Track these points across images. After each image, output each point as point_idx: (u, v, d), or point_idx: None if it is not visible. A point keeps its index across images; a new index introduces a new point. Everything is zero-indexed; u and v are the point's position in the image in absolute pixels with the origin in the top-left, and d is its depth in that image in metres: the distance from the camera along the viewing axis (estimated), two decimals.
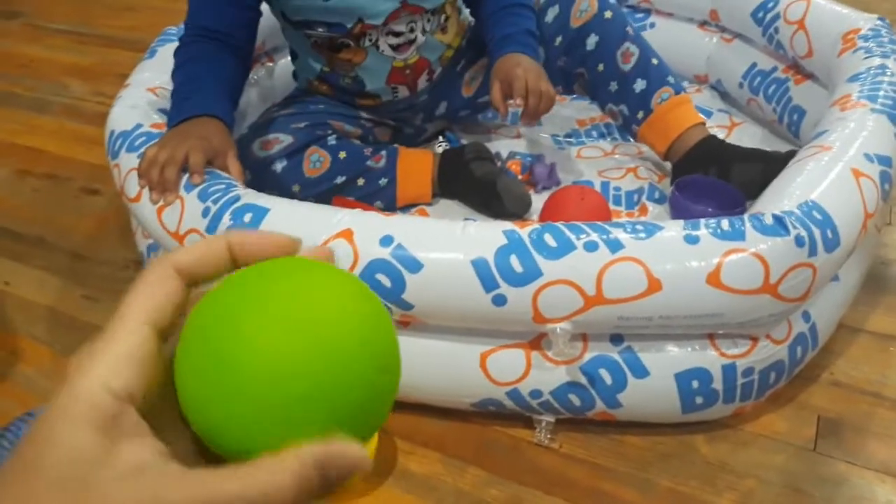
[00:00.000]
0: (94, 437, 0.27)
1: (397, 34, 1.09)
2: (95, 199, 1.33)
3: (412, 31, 1.09)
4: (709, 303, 0.73)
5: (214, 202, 0.84)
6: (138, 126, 0.98)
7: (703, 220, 0.75)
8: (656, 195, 1.16)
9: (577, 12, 1.14)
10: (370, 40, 1.08)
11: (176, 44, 1.04)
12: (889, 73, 0.97)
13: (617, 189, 1.19)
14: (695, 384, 0.79)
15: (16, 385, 0.96)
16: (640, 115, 1.14)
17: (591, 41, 1.14)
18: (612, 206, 1.12)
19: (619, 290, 0.73)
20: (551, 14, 1.16)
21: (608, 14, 1.14)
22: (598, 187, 1.19)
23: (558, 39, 1.16)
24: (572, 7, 1.14)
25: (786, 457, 0.83)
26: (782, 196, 0.78)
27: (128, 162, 0.93)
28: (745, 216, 0.75)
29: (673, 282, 0.72)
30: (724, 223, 0.74)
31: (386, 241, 0.77)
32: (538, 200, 1.12)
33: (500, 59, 1.10)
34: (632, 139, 1.21)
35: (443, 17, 1.14)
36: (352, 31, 1.06)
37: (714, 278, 0.72)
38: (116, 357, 0.29)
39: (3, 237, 1.24)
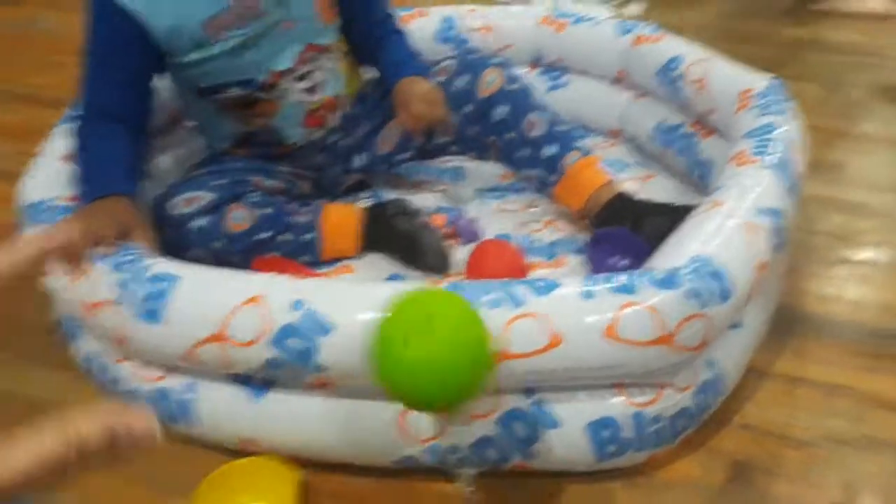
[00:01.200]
0: None
1: (304, 77, 1.13)
2: None
3: (318, 70, 1.14)
4: (609, 355, 0.76)
5: (124, 272, 0.84)
6: (49, 200, 0.98)
7: (600, 276, 0.79)
8: (574, 247, 1.20)
9: (485, 84, 1.20)
10: (282, 89, 1.12)
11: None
12: (779, 130, 1.03)
13: (537, 241, 1.22)
14: (605, 433, 0.81)
15: None
16: (553, 178, 1.19)
17: (499, 112, 1.19)
18: (531, 258, 1.15)
19: (523, 345, 0.75)
20: (460, 82, 1.21)
21: (514, 86, 1.20)
22: (517, 240, 1.22)
23: (468, 107, 1.21)
24: (479, 79, 1.20)
25: (700, 501, 0.85)
26: (676, 252, 0.82)
27: None
28: (640, 271, 0.79)
29: (572, 336, 0.75)
30: (621, 279, 0.78)
31: (297, 305, 0.79)
32: (463, 252, 1.15)
33: (399, 84, 1.18)
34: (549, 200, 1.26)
35: (339, 53, 1.20)
36: (264, 83, 1.09)
37: (611, 331, 0.75)
38: None
39: None
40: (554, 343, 0.75)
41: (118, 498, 0.87)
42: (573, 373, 0.77)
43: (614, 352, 0.75)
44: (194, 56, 1.05)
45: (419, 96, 1.16)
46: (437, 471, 0.87)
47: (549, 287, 0.77)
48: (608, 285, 0.77)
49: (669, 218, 1.08)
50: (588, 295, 0.76)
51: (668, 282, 0.76)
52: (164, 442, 0.87)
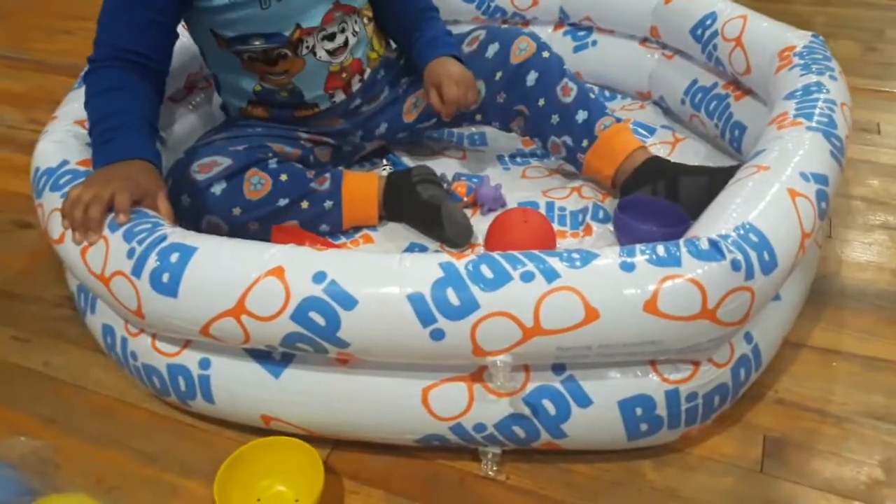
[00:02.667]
0: None
1: (331, 37, 1.09)
2: (27, 232, 1.28)
3: (343, 31, 1.10)
4: (647, 330, 0.72)
5: (140, 243, 0.81)
6: (64, 163, 0.94)
7: (638, 247, 0.74)
8: (601, 215, 1.16)
9: (517, 50, 1.16)
10: (307, 47, 1.08)
11: None
12: (824, 91, 0.98)
13: (562, 209, 1.18)
14: (638, 411, 0.78)
15: None
16: (585, 143, 1.15)
17: (531, 77, 1.16)
18: (556, 227, 1.11)
19: (557, 320, 0.72)
20: (491, 50, 1.18)
21: (546, 54, 1.17)
22: (542, 208, 1.18)
23: (498, 75, 1.17)
24: (511, 46, 1.17)
25: (733, 479, 0.82)
26: (719, 219, 0.77)
27: (51, 201, 0.90)
28: (681, 241, 0.75)
29: (610, 310, 0.71)
30: (660, 249, 0.74)
31: (319, 277, 0.75)
32: (484, 222, 1.11)
33: (431, 64, 1.15)
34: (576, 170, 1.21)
35: (366, 18, 1.16)
36: (290, 38, 1.05)
37: (651, 306, 0.71)
38: None
39: None
40: (590, 318, 0.71)
41: (136, 479, 0.85)
42: (609, 349, 0.73)
43: (654, 327, 0.71)
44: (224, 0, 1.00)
45: (452, 79, 1.12)
46: (461, 449, 0.84)
47: (585, 259, 0.73)
48: (648, 257, 0.73)
49: (706, 182, 1.04)
50: (627, 267, 0.72)
51: (711, 253, 0.72)
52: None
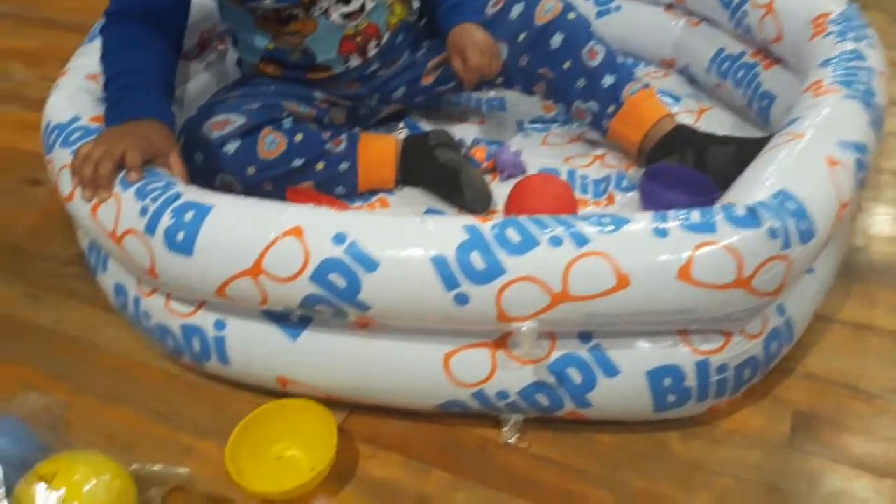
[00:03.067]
0: None
1: (347, 0, 1.05)
2: (38, 190, 1.26)
3: None
4: (680, 299, 0.70)
5: (153, 200, 0.78)
6: (75, 119, 0.92)
7: (672, 213, 0.72)
8: (624, 184, 1.13)
9: (542, 11, 1.11)
10: (320, 9, 1.04)
11: None
12: (862, 59, 0.94)
13: (584, 177, 1.15)
14: (667, 382, 0.76)
15: None
16: (611, 108, 1.12)
17: (556, 40, 1.11)
18: (578, 195, 1.09)
19: (586, 286, 0.69)
20: (515, 11, 1.13)
21: (572, 15, 1.12)
22: (563, 175, 1.15)
23: (521, 36, 1.12)
24: (536, 6, 1.12)
25: (761, 453, 0.80)
26: (755, 186, 0.75)
27: (62, 157, 0.88)
28: (717, 207, 0.72)
29: (642, 277, 0.69)
30: (695, 215, 0.71)
31: (339, 238, 0.73)
32: (503, 188, 1.08)
33: (455, 30, 1.10)
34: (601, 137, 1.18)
35: None
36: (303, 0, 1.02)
37: (685, 273, 0.69)
38: None
39: None
40: (621, 284, 0.69)
41: (149, 437, 0.83)
42: (640, 317, 0.71)
43: (687, 295, 0.69)
44: None
45: (477, 46, 1.08)
46: (482, 416, 0.83)
47: (617, 224, 0.70)
48: (683, 222, 0.70)
49: (735, 153, 1.01)
50: (661, 233, 0.69)
51: (748, 220, 0.69)
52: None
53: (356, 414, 0.85)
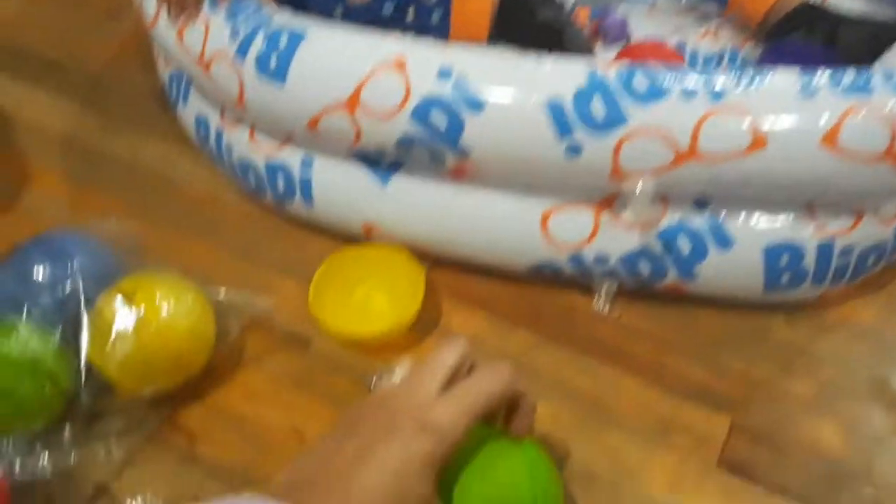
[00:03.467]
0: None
1: None
2: (117, 24, 1.20)
3: None
4: (819, 167, 0.63)
5: (244, 22, 0.73)
6: None
7: (822, 71, 0.64)
8: (739, 61, 1.03)
9: None
10: None
11: None
12: None
13: (694, 52, 1.06)
14: (784, 260, 0.70)
15: (23, 212, 0.89)
16: None
17: None
18: None
19: (718, 145, 0.62)
20: None
21: None
22: (673, 47, 1.05)
23: None
24: None
25: (870, 347, 0.75)
26: None
27: None
28: (875, 68, 0.64)
29: (781, 139, 0.62)
30: (849, 75, 0.63)
31: (444, 74, 0.67)
32: (607, 55, 1.00)
33: None
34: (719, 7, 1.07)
35: None
36: None
37: (830, 139, 0.61)
38: None
39: (15, 58, 1.13)
40: (756, 145, 0.62)
41: (227, 271, 0.81)
42: (771, 184, 0.64)
43: (829, 164, 0.62)
44: None
45: None
46: (571, 283, 0.78)
47: (759, 79, 0.63)
48: (834, 82, 0.62)
49: (870, 36, 0.90)
50: (808, 91, 0.62)
51: None
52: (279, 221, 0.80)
53: (439, 267, 0.81)
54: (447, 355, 0.55)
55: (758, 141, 0.62)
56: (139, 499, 0.65)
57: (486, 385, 0.53)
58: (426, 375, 0.53)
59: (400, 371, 0.57)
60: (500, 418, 0.59)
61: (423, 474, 0.48)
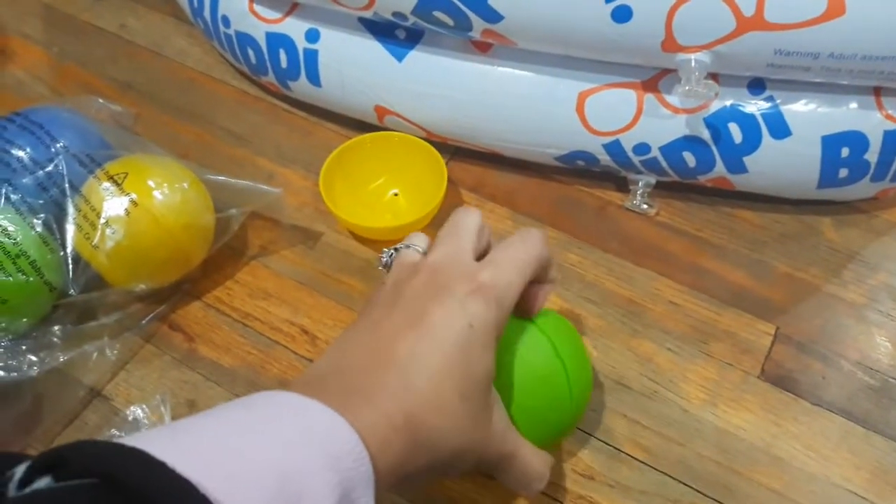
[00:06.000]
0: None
1: None
2: None
3: None
4: None
5: None
6: None
7: None
8: None
9: None
10: None
11: None
12: None
13: None
14: (844, 152, 0.63)
15: (4, 87, 0.81)
16: None
17: None
18: None
19: (787, 12, 0.54)
20: None
21: None
22: None
23: None
24: None
25: None
26: None
27: None
28: None
29: (862, 5, 0.54)
30: None
31: None
32: None
33: None
34: None
35: None
36: None
37: None
38: None
39: None
40: (832, 13, 0.54)
41: (225, 158, 0.75)
42: (841, 61, 0.56)
43: None
44: None
45: None
46: (601, 177, 0.72)
47: None
48: None
49: None
50: None
51: None
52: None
53: (459, 159, 0.74)
54: (469, 219, 0.47)
55: (835, 7, 0.53)
56: (141, 407, 0.59)
57: (528, 247, 0.45)
58: (459, 240, 0.45)
59: (419, 242, 0.49)
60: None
61: (485, 343, 0.40)
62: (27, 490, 0.28)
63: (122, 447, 0.28)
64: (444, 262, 0.43)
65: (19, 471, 0.28)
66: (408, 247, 0.47)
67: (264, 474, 0.29)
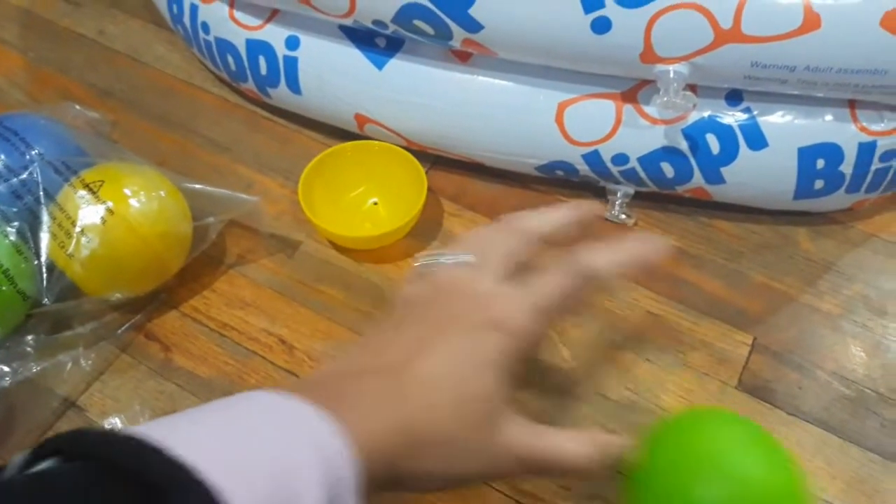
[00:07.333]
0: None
1: None
2: None
3: None
4: (875, 53, 0.55)
5: None
6: None
7: None
8: None
9: None
10: None
11: None
12: None
13: None
14: (820, 163, 0.64)
15: None
16: None
17: None
18: None
19: (764, 24, 0.55)
20: None
21: None
22: None
23: None
24: None
25: None
26: None
27: None
28: None
29: (836, 19, 0.54)
30: None
31: None
32: None
33: None
34: None
35: None
36: None
37: (891, 20, 0.54)
38: None
39: None
40: (808, 27, 0.54)
41: (205, 165, 0.74)
42: (818, 74, 0.57)
43: (885, 49, 0.55)
44: None
45: None
46: (580, 186, 0.72)
47: None
48: None
49: None
50: None
51: None
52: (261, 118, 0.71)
53: (439, 168, 0.74)
54: (499, 241, 0.46)
55: (810, 21, 0.54)
56: (117, 418, 0.59)
57: (559, 277, 0.44)
58: (485, 261, 0.44)
59: (453, 256, 0.48)
60: None
61: (489, 369, 0.40)
62: (32, 470, 0.28)
63: (121, 434, 0.29)
64: (466, 284, 0.44)
65: (19, 458, 0.29)
66: (443, 258, 0.47)
67: (263, 466, 0.30)
